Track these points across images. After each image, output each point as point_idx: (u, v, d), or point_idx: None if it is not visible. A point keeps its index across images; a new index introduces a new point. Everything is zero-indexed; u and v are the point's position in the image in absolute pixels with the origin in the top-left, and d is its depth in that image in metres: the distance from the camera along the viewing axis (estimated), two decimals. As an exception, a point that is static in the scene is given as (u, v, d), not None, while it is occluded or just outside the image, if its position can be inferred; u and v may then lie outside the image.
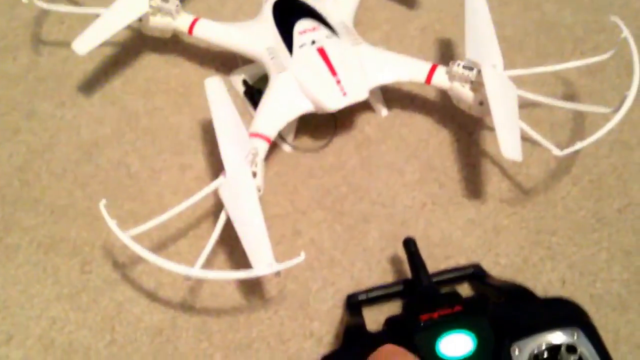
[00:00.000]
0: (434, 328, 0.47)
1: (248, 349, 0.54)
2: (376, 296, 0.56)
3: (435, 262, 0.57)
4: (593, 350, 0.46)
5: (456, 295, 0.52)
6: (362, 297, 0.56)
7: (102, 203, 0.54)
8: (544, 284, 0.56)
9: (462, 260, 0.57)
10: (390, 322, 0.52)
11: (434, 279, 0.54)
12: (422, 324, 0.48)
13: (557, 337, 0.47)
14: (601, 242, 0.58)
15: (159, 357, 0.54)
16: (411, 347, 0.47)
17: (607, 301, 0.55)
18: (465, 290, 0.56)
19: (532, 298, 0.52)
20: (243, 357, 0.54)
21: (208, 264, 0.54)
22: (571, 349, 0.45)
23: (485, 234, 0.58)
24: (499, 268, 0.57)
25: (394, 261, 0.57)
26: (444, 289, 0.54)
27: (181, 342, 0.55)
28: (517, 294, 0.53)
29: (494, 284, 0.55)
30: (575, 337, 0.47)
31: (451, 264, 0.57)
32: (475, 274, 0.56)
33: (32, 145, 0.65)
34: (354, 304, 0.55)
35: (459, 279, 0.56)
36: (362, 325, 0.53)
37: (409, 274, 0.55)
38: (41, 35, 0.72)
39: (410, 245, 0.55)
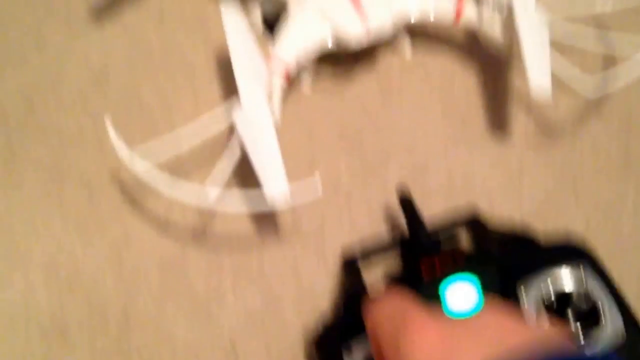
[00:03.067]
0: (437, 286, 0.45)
1: (260, 280, 0.54)
2: (373, 252, 0.54)
3: (455, 202, 0.55)
4: (601, 283, 0.45)
5: (460, 253, 0.50)
6: (359, 256, 0.53)
7: (110, 126, 0.53)
8: (567, 228, 0.54)
9: (483, 204, 0.55)
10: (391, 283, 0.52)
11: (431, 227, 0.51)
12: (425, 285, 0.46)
13: (563, 273, 0.45)
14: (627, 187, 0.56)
15: (168, 289, 0.53)
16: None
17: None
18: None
19: (535, 245, 0.50)
20: (256, 289, 0.54)
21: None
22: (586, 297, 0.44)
23: (510, 176, 0.57)
24: (521, 211, 0.55)
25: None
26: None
27: (192, 275, 0.54)
28: (521, 243, 0.51)
29: (495, 237, 0.53)
30: (581, 270, 0.45)
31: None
32: (474, 224, 0.54)
33: (41, 76, 0.61)
34: (351, 265, 0.53)
35: (458, 226, 0.54)
36: (364, 288, 0.51)
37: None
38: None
39: (406, 203, 0.51)
